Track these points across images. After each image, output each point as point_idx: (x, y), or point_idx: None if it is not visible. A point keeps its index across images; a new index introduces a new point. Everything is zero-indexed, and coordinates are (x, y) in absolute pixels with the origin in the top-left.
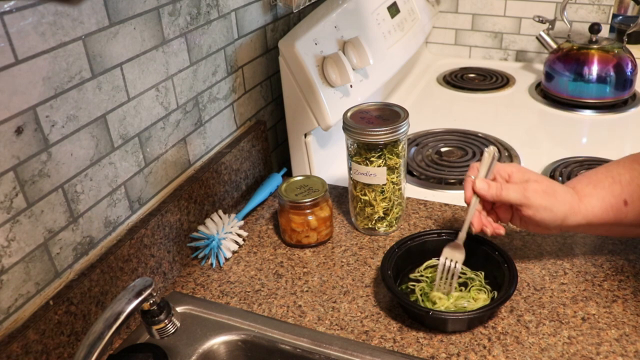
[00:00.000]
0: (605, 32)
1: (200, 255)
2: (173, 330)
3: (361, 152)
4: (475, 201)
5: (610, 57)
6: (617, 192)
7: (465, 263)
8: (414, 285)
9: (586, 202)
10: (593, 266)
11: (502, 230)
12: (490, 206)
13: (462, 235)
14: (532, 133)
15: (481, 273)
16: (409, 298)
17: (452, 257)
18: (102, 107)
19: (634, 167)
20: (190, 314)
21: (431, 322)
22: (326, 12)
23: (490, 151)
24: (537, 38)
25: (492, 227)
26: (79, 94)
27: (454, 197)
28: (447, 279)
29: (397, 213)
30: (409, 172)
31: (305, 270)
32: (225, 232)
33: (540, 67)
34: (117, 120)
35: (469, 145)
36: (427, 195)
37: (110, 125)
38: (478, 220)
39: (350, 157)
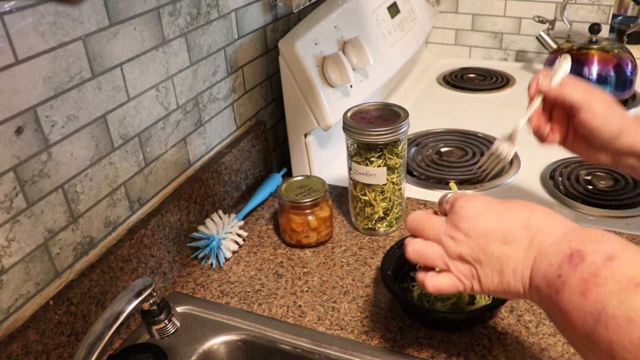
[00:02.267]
0: (605, 32)
1: (200, 255)
2: (173, 330)
3: (361, 152)
4: (538, 100)
5: (610, 57)
6: None
7: None
8: (414, 286)
9: None
10: None
11: (556, 138)
12: (549, 115)
13: (519, 126)
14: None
15: None
16: (409, 298)
17: (502, 148)
18: (102, 107)
19: None
20: (190, 314)
21: (431, 322)
22: (326, 12)
23: (565, 57)
24: (537, 38)
25: (546, 130)
26: (79, 94)
27: None
28: (492, 161)
29: (397, 213)
30: (409, 172)
31: (305, 270)
32: (225, 232)
33: (540, 67)
34: (117, 120)
35: (469, 145)
36: (427, 195)
37: (110, 125)
38: (537, 119)
39: (350, 157)
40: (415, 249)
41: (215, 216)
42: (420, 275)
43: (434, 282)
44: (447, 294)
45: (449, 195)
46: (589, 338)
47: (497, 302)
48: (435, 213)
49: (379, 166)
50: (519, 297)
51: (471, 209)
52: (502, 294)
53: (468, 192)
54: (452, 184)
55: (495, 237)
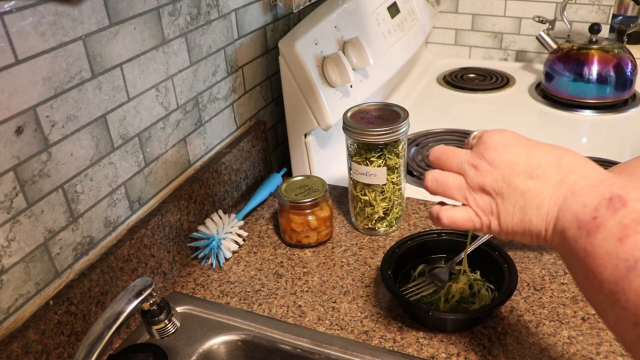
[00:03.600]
0: (605, 32)
1: (200, 255)
2: (173, 330)
3: (361, 152)
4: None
5: (610, 57)
6: None
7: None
8: (414, 286)
9: None
10: None
11: None
12: None
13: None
14: (532, 133)
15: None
16: (409, 298)
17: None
18: (102, 107)
19: None
20: (190, 314)
21: (431, 322)
22: (326, 12)
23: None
24: (537, 38)
25: None
26: (79, 94)
27: None
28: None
29: (397, 213)
30: (409, 172)
31: (305, 270)
32: (225, 232)
33: (540, 67)
34: (117, 120)
35: None
36: (427, 195)
37: (110, 125)
38: None
39: (350, 157)
40: (434, 177)
41: (215, 216)
42: (435, 208)
43: (449, 214)
44: (463, 229)
45: (476, 132)
46: (615, 286)
47: (497, 302)
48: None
49: (379, 166)
50: (538, 239)
51: (499, 140)
52: (521, 234)
53: None
54: None
55: (522, 170)
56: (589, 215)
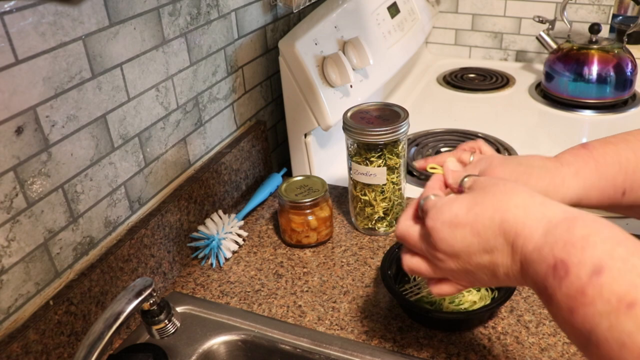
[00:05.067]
0: (605, 32)
1: (200, 255)
2: (173, 330)
3: (361, 152)
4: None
5: (610, 57)
6: (619, 183)
7: None
8: (415, 286)
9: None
10: None
11: None
12: None
13: None
14: (532, 133)
15: None
16: (409, 298)
17: None
18: (102, 107)
19: None
20: (190, 314)
21: (431, 322)
22: (326, 12)
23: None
24: (537, 38)
25: None
26: (79, 94)
27: None
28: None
29: (397, 213)
30: (409, 172)
31: (305, 270)
32: (225, 232)
33: (540, 67)
34: (117, 120)
35: None
36: None
37: (110, 125)
38: None
39: (350, 157)
40: (409, 267)
41: (215, 216)
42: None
43: (439, 292)
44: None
45: (422, 201)
46: (583, 349)
47: (497, 302)
48: (417, 212)
49: (379, 166)
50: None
51: (440, 229)
52: (507, 285)
53: (451, 164)
54: (432, 167)
55: (475, 250)
56: (542, 284)
